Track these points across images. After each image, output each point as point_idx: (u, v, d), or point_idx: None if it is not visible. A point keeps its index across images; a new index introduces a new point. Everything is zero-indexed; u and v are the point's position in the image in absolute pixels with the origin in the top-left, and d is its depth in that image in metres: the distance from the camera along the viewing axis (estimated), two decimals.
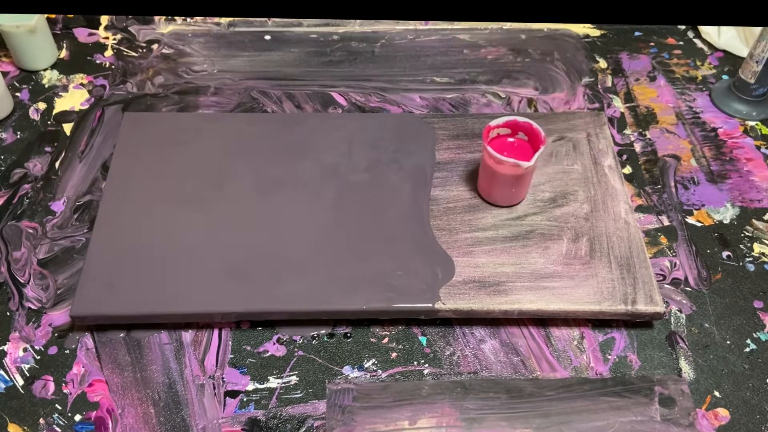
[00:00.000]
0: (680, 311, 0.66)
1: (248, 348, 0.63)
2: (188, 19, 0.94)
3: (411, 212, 0.69)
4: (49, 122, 0.81)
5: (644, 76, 0.89)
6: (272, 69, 0.88)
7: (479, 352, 0.63)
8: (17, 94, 0.84)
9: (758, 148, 0.80)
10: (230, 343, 0.63)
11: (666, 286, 0.68)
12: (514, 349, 0.63)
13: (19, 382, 0.61)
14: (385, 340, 0.64)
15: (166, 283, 0.63)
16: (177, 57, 0.89)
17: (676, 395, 0.61)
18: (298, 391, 0.60)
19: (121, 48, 0.90)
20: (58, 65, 0.87)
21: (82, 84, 0.85)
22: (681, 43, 0.93)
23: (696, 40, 0.94)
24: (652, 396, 0.60)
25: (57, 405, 0.59)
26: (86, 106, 0.83)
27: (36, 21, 0.83)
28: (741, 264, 0.70)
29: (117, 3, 0.29)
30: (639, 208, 0.74)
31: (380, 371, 0.62)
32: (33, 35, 0.83)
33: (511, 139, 0.70)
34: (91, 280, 0.63)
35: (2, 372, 0.61)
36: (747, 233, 0.72)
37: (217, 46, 0.91)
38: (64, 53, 0.89)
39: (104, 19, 0.94)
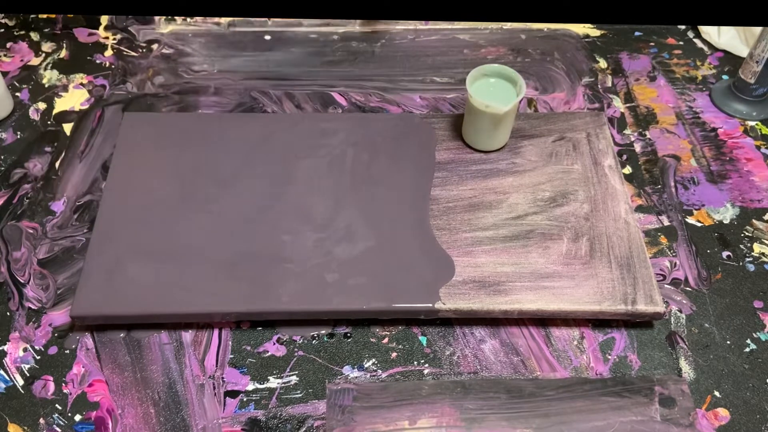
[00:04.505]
0: (680, 311, 0.66)
1: (248, 348, 0.63)
2: (188, 19, 0.94)
3: (411, 212, 0.69)
4: (49, 122, 0.81)
5: (644, 76, 0.89)
6: (272, 69, 0.88)
7: (479, 352, 0.63)
8: (17, 94, 0.84)
9: (758, 148, 0.80)
10: (230, 343, 0.63)
11: (666, 286, 0.68)
12: (514, 349, 0.63)
13: (19, 382, 0.61)
14: (385, 340, 0.64)
15: (166, 283, 0.63)
16: (177, 57, 0.89)
17: (676, 395, 0.61)
18: (298, 391, 0.60)
19: (121, 48, 0.90)
20: (58, 65, 0.88)
21: (82, 84, 0.85)
22: (681, 43, 0.93)
23: (696, 40, 0.94)
24: (652, 396, 0.60)
25: (57, 405, 0.59)
26: (86, 106, 0.83)
27: None
28: (741, 264, 0.70)
29: (117, 3, 0.29)
30: (639, 208, 0.74)
31: (380, 371, 0.62)
32: None
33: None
34: (91, 280, 0.63)
35: (2, 372, 0.61)
36: (747, 233, 0.72)
37: (217, 46, 0.91)
38: (64, 53, 0.89)
39: (104, 19, 0.94)
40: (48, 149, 0.78)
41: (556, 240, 0.67)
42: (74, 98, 0.84)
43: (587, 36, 0.94)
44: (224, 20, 0.94)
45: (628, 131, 0.82)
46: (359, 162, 0.74)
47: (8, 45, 0.90)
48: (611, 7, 0.29)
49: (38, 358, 0.62)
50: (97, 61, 0.88)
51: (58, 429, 0.58)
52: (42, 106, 0.83)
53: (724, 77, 0.88)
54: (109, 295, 0.62)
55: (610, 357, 0.63)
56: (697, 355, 0.63)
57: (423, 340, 0.64)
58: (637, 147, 0.80)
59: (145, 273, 0.64)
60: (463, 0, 0.29)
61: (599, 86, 0.87)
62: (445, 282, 0.64)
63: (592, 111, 0.83)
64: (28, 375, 0.61)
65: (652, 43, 0.93)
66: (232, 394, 0.60)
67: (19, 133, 0.80)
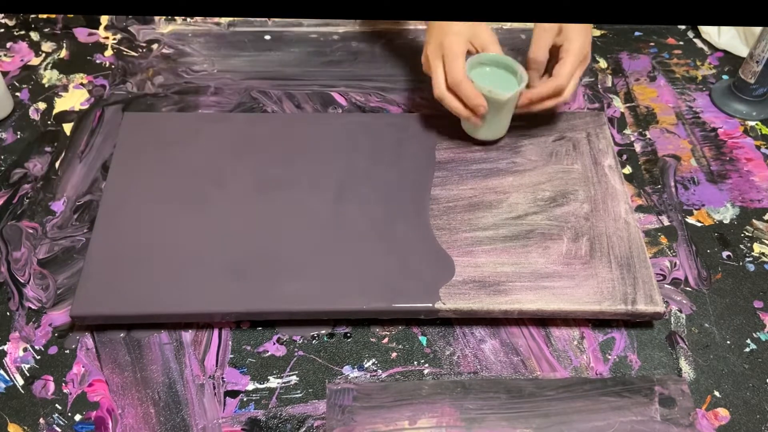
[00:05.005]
0: (680, 311, 0.66)
1: (248, 348, 0.63)
2: (188, 19, 0.94)
3: (411, 212, 0.69)
4: (49, 122, 0.81)
5: (644, 76, 0.89)
6: (272, 69, 0.88)
7: (479, 352, 0.63)
8: (17, 93, 0.84)
9: (758, 148, 0.80)
10: (230, 343, 0.63)
11: (666, 286, 0.68)
12: (514, 349, 0.63)
13: (19, 382, 0.61)
14: (385, 340, 0.64)
15: (166, 283, 0.63)
16: (177, 57, 0.89)
17: (676, 395, 0.61)
18: (298, 391, 0.60)
19: (121, 48, 0.90)
20: (58, 65, 0.87)
21: (82, 84, 0.85)
22: (681, 43, 0.93)
23: (696, 40, 0.94)
24: (652, 396, 0.60)
25: (57, 405, 0.59)
26: (86, 106, 0.83)
27: None
28: (741, 264, 0.70)
29: (117, 3, 0.29)
30: (639, 208, 0.74)
31: (380, 371, 0.62)
32: None
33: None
34: (91, 280, 0.63)
35: (2, 372, 0.61)
36: (747, 233, 0.72)
37: (217, 46, 0.91)
38: (64, 53, 0.89)
39: (104, 19, 0.94)
40: (48, 149, 0.78)
41: (556, 240, 0.67)
42: (74, 98, 0.84)
43: None
44: (224, 20, 0.94)
45: (628, 131, 0.82)
46: (359, 162, 0.74)
47: (8, 45, 0.90)
48: (611, 7, 0.29)
49: (38, 358, 0.62)
50: (97, 61, 0.88)
51: (58, 429, 0.58)
52: (42, 106, 0.83)
53: (724, 77, 0.88)
54: (109, 295, 0.62)
55: (610, 357, 0.63)
56: (697, 355, 0.63)
57: (423, 340, 0.64)
58: (637, 147, 0.80)
59: (145, 273, 0.64)
60: (463, 0, 0.29)
61: (599, 86, 0.87)
62: (445, 282, 0.64)
63: (592, 111, 0.83)
64: (28, 375, 0.61)
65: (652, 43, 0.93)
66: (232, 394, 0.60)
67: (19, 133, 0.80)
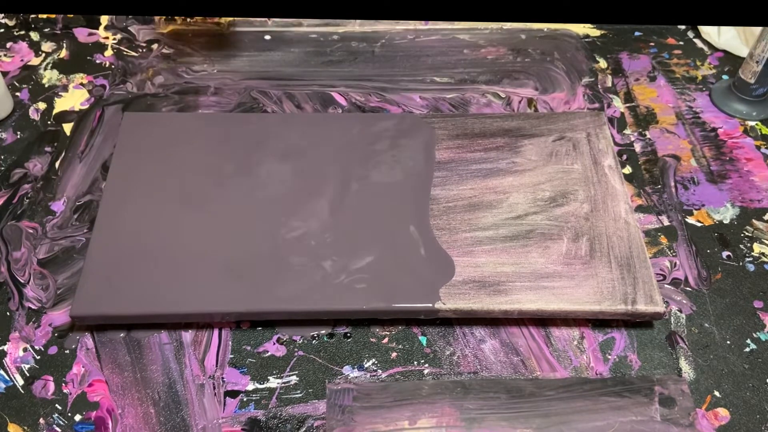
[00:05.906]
0: (680, 311, 0.66)
1: (248, 348, 0.63)
2: (188, 19, 0.94)
3: (411, 212, 0.69)
4: (49, 122, 0.81)
5: (644, 76, 0.89)
6: (272, 69, 0.88)
7: (479, 352, 0.63)
8: (17, 93, 0.84)
9: (758, 148, 0.80)
10: (230, 343, 0.63)
11: (666, 286, 0.68)
12: (514, 349, 0.63)
13: (19, 382, 0.61)
14: (385, 340, 0.64)
15: (166, 283, 0.63)
16: (177, 57, 0.89)
17: (676, 395, 0.61)
18: (298, 391, 0.60)
19: (121, 48, 0.90)
20: (58, 65, 0.88)
21: (82, 84, 0.85)
22: (681, 43, 0.93)
23: (696, 40, 0.94)
24: (652, 396, 0.60)
25: (57, 405, 0.59)
26: (86, 106, 0.83)
27: None
28: (741, 264, 0.70)
29: (117, 3, 0.29)
30: (639, 208, 0.74)
31: (380, 371, 0.62)
32: None
33: None
34: (91, 280, 0.63)
35: (2, 372, 0.61)
36: (747, 233, 0.72)
37: (217, 46, 0.91)
38: (64, 53, 0.89)
39: (104, 19, 0.94)
40: (48, 149, 0.78)
41: (556, 240, 0.67)
42: (74, 98, 0.84)
43: (587, 36, 0.94)
44: (224, 20, 0.94)
45: (628, 131, 0.82)
46: (359, 162, 0.74)
47: (8, 45, 0.90)
48: (611, 7, 0.29)
49: (38, 358, 0.62)
50: (97, 61, 0.88)
51: (58, 429, 0.58)
52: (42, 106, 0.83)
53: (724, 77, 0.88)
54: (109, 295, 0.62)
55: (610, 357, 0.63)
56: (697, 355, 0.63)
57: (423, 340, 0.64)
58: (637, 147, 0.80)
59: (145, 273, 0.64)
60: (463, 0, 0.29)
61: (599, 86, 0.87)
62: (445, 282, 0.64)
63: (592, 111, 0.83)
64: (28, 375, 0.61)
65: (652, 43, 0.93)
66: (232, 394, 0.60)
67: (19, 133, 0.80)
